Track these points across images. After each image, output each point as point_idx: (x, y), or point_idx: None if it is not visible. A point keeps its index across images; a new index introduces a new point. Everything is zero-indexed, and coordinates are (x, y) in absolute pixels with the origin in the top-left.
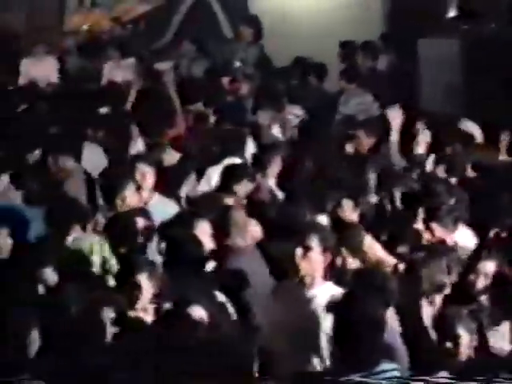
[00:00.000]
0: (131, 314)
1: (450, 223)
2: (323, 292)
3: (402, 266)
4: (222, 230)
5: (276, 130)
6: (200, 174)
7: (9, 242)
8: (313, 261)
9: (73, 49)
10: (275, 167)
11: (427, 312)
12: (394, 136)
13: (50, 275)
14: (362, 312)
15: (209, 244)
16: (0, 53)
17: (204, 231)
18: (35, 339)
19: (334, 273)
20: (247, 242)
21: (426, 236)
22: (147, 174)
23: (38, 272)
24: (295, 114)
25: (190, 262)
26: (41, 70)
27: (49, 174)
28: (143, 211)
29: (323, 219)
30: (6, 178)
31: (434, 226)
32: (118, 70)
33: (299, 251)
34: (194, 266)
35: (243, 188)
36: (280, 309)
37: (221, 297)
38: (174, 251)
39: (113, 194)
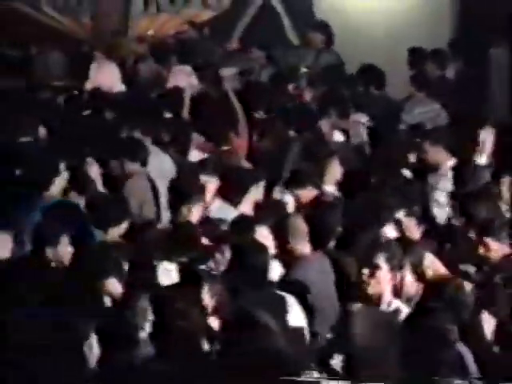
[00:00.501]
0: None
1: (505, 237)
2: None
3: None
4: (282, 237)
5: (339, 137)
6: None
7: (69, 249)
8: (380, 279)
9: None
10: (335, 173)
11: (490, 324)
12: (483, 158)
13: (115, 286)
14: (430, 327)
15: (270, 249)
16: (66, 58)
17: (263, 236)
18: (94, 347)
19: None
20: (307, 249)
21: (481, 250)
22: (211, 181)
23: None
24: (360, 121)
25: (254, 269)
26: (105, 75)
27: (111, 179)
28: (208, 221)
29: (391, 233)
30: (61, 180)
31: (488, 240)
32: (182, 76)
33: (366, 270)
34: (258, 272)
35: (307, 194)
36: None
37: (293, 305)
38: (238, 258)
39: (180, 203)
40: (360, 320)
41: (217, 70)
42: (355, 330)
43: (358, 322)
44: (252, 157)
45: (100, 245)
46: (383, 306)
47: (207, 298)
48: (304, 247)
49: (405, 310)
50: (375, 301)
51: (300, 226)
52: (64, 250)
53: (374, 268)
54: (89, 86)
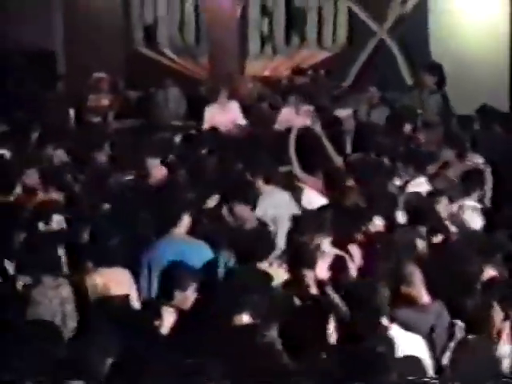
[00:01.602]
0: None
1: None
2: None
3: None
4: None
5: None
6: None
7: (193, 295)
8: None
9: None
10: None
11: None
12: None
13: (246, 319)
14: None
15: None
16: (185, 98)
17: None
18: None
19: None
20: (426, 297)
21: None
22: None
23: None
24: (475, 162)
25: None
26: (224, 115)
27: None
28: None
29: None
30: (187, 218)
31: None
32: (297, 117)
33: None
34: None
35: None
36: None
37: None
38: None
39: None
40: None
41: (332, 110)
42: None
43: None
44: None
45: (231, 281)
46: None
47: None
48: (421, 294)
49: None
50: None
51: (415, 273)
52: (191, 294)
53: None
54: (206, 125)
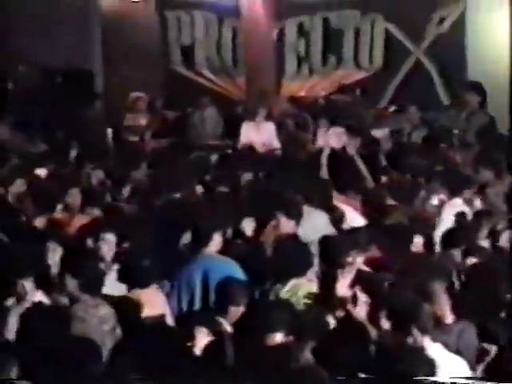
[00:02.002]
0: None
1: None
2: None
3: None
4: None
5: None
6: None
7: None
8: None
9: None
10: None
11: None
12: None
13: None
14: None
15: None
16: (222, 117)
17: None
18: None
19: None
20: (449, 317)
21: None
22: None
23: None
24: None
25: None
26: (259, 135)
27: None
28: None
29: None
30: (218, 237)
31: None
32: (330, 138)
33: None
34: None
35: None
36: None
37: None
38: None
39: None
40: None
41: (369, 130)
42: None
43: None
44: None
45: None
46: None
47: None
48: (445, 314)
49: None
50: None
51: (440, 292)
52: (242, 309)
53: None
54: (243, 140)
